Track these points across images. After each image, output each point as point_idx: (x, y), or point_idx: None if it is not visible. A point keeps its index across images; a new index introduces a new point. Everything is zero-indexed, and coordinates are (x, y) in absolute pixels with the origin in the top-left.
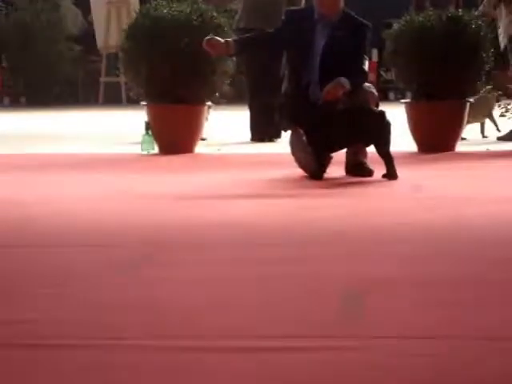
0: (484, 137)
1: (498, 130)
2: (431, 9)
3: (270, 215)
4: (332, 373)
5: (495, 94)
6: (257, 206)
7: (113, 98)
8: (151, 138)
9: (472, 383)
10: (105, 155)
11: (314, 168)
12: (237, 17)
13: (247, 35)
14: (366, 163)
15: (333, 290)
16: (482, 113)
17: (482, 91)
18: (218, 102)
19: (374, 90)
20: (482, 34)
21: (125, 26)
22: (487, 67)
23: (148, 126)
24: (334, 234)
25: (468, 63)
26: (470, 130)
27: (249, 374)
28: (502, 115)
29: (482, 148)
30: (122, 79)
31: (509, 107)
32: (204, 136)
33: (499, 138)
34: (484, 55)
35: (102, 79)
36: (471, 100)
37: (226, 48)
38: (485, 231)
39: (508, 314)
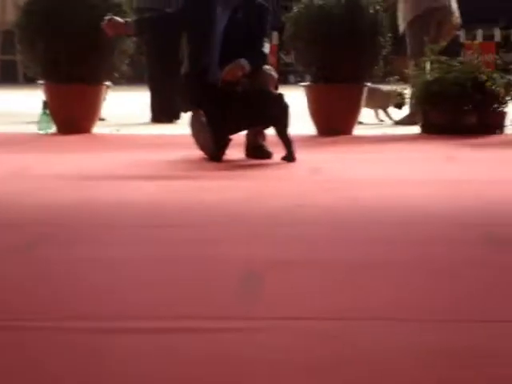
0: (380, 121)
1: (390, 119)
2: None
3: (169, 196)
4: (231, 353)
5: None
6: (156, 187)
7: (10, 77)
8: (49, 118)
9: (368, 361)
10: (0, 134)
11: (213, 150)
12: None
13: (147, 15)
14: (265, 145)
15: (232, 272)
16: (379, 102)
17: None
18: (117, 82)
19: (274, 73)
20: (379, 18)
21: (21, 2)
22: (384, 52)
23: (46, 105)
24: (233, 215)
25: (365, 47)
26: (367, 115)
27: (145, 356)
28: (397, 106)
29: (379, 132)
30: (19, 57)
31: (405, 92)
32: (103, 116)
33: (396, 123)
34: (382, 40)
35: None
36: (369, 84)
37: (126, 28)
38: (381, 213)
39: (402, 295)
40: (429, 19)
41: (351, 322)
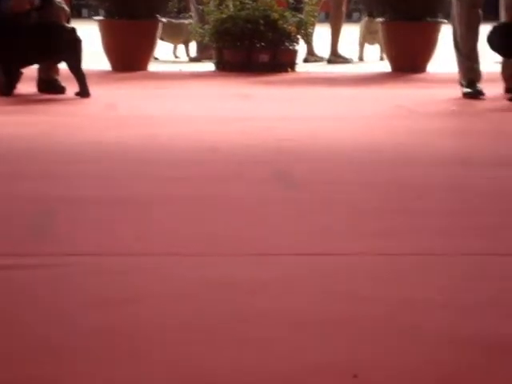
0: (176, 57)
1: (188, 55)
2: None
3: None
4: (25, 290)
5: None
6: None
7: None
8: None
9: (159, 296)
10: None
11: (3, 84)
12: None
13: None
14: (58, 80)
15: (26, 209)
16: (178, 37)
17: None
18: None
19: (66, 6)
20: None
21: None
22: None
23: None
24: (26, 151)
25: None
26: (165, 51)
27: None
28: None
29: (175, 68)
30: None
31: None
32: None
33: (191, 60)
34: None
35: None
36: (164, 20)
37: None
38: (176, 150)
39: (192, 230)
40: None
41: (141, 258)
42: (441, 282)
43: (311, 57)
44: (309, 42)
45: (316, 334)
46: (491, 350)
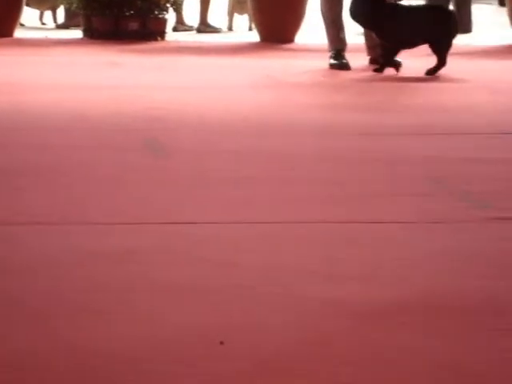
0: (43, 24)
1: (55, 22)
2: None
3: None
4: None
5: None
6: None
7: None
8: None
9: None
10: None
11: None
12: None
13: None
14: None
15: None
16: (48, 3)
17: None
18: None
19: None
20: None
21: None
22: None
23: None
24: None
25: None
26: (31, 17)
27: None
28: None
29: (42, 35)
30: None
31: None
32: None
33: (58, 26)
34: None
35: None
36: None
37: None
38: (44, 118)
39: (61, 200)
40: None
41: (4, 228)
42: (309, 250)
43: (181, 26)
44: (178, 11)
45: (184, 300)
46: (358, 316)
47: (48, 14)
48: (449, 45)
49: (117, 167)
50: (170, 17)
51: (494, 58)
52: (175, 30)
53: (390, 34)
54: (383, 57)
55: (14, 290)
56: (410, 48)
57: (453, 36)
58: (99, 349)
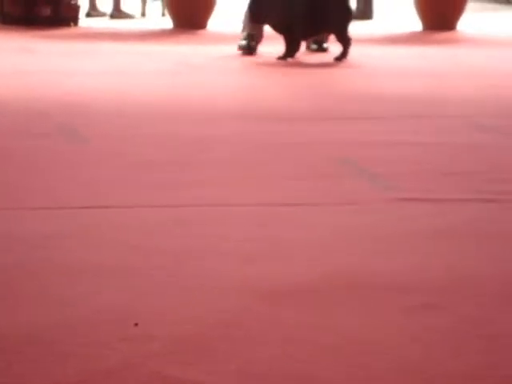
0: None
1: None
2: None
3: None
4: None
5: None
6: None
7: None
8: None
9: None
10: None
11: None
12: None
13: None
14: None
15: None
16: None
17: None
18: None
19: None
20: None
21: None
22: None
23: None
24: None
25: None
26: None
27: None
28: None
29: None
30: None
31: None
32: None
33: None
34: None
35: None
36: None
37: None
38: None
39: None
40: None
41: None
42: (223, 232)
43: (94, 12)
44: None
45: (100, 283)
46: (273, 296)
47: None
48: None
49: (32, 153)
50: (83, 3)
51: (399, 44)
52: (89, 15)
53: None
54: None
55: None
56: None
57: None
58: (12, 332)
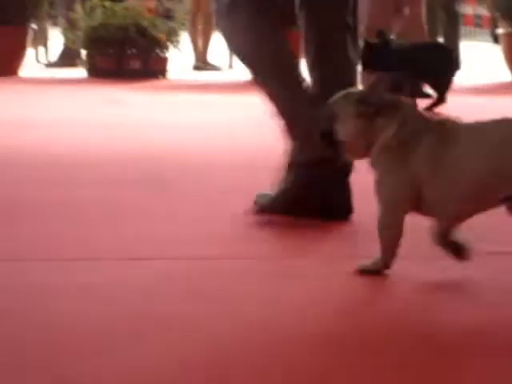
0: (38, 61)
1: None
2: None
3: None
4: None
5: None
6: None
7: None
8: None
9: None
10: None
11: None
12: None
13: None
14: None
15: None
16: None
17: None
18: None
19: None
20: None
21: None
22: None
23: None
24: None
25: None
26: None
27: None
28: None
29: (47, 74)
30: None
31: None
32: None
33: (50, 65)
34: None
35: None
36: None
37: None
38: (45, 154)
39: None
40: None
41: None
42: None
43: (203, 64)
44: (201, 50)
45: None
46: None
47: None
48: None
49: (105, 202)
50: (172, 55)
51: (484, 95)
52: (197, 68)
53: None
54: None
55: None
56: None
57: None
58: None
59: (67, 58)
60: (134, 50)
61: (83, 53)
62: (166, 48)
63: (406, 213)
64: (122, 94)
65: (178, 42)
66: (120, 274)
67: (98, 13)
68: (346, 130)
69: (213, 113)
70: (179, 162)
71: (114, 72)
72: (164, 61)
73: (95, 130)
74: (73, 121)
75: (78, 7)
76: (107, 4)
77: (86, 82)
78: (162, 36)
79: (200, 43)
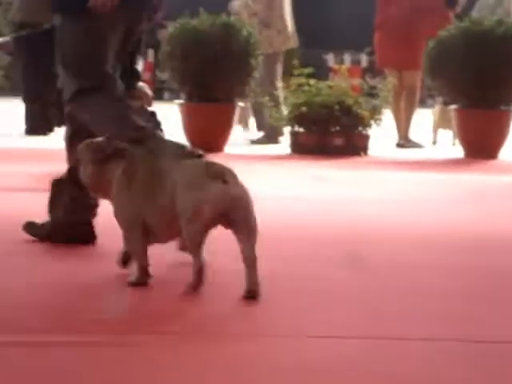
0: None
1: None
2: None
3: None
4: None
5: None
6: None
7: None
8: None
9: None
10: None
11: None
12: (14, 9)
13: (25, 32)
14: None
15: None
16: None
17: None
18: None
19: (149, 90)
20: (252, 40)
21: None
22: (256, 73)
23: None
24: None
25: (238, 67)
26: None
27: None
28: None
29: (248, 151)
30: None
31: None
32: None
33: (253, 142)
34: (253, 61)
35: None
36: (241, 104)
37: (3, 47)
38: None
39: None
40: None
41: None
42: None
43: (406, 142)
44: (404, 129)
45: None
46: None
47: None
48: None
49: (315, 279)
50: (374, 132)
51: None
52: (400, 146)
53: None
54: None
55: None
56: None
57: None
58: None
59: (271, 136)
60: (338, 128)
61: (286, 130)
62: (369, 125)
63: (141, 229)
64: (325, 170)
65: (380, 119)
66: None
67: (303, 90)
68: (85, 173)
69: (414, 190)
70: (381, 238)
71: (317, 149)
72: (366, 138)
73: (300, 206)
74: (274, 195)
75: (280, 84)
76: (312, 82)
77: (288, 158)
78: (365, 114)
79: (402, 120)
